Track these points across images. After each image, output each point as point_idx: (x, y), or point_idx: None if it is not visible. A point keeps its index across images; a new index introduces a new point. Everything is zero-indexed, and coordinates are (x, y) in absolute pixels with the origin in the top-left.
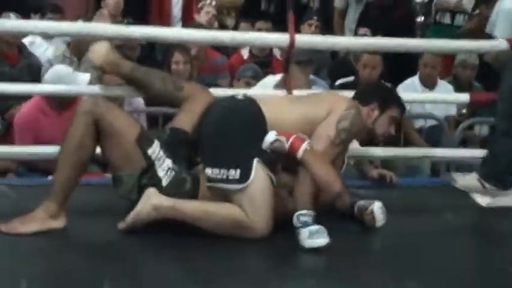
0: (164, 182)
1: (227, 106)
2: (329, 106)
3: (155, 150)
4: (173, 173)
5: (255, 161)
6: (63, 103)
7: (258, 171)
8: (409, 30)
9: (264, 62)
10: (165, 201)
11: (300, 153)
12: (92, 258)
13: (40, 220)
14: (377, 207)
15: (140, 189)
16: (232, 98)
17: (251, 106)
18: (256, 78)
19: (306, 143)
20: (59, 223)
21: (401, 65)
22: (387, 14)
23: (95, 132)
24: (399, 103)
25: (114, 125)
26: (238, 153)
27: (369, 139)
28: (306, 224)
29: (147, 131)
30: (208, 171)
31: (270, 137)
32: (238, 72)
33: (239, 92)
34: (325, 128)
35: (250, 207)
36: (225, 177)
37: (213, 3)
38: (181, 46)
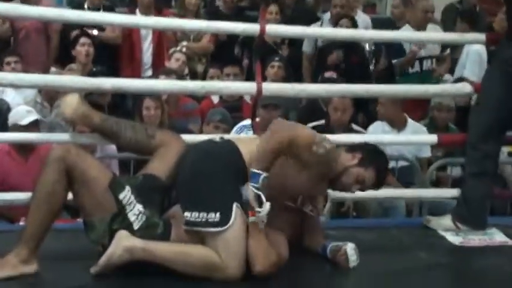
0: (135, 226)
1: (204, 148)
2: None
3: (126, 194)
4: (144, 217)
5: (235, 205)
6: (28, 148)
7: (237, 215)
8: (365, 76)
9: (234, 107)
10: (137, 243)
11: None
12: None
13: (11, 265)
14: (350, 248)
15: (111, 234)
16: (210, 140)
17: (228, 147)
18: (225, 122)
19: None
20: (30, 268)
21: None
22: (344, 59)
23: (66, 179)
24: (378, 172)
25: (86, 173)
26: (217, 196)
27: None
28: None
29: (118, 177)
30: (188, 214)
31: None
32: (207, 117)
33: (214, 136)
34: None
35: (225, 250)
36: (204, 220)
37: (184, 49)
38: None
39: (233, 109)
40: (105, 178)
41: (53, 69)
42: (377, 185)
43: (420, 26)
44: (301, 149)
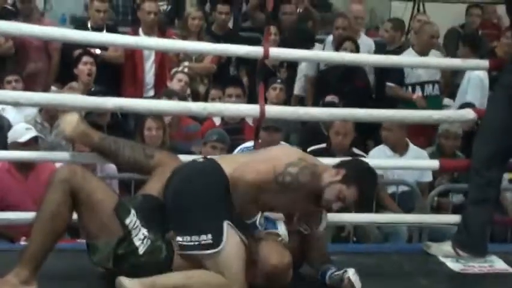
0: (141, 251)
1: (187, 170)
2: (278, 153)
3: (132, 219)
4: (149, 241)
5: (225, 223)
6: (28, 166)
7: (229, 233)
8: (371, 98)
9: (235, 129)
10: (139, 286)
11: None
12: None
13: (12, 286)
14: (352, 274)
15: (116, 258)
16: (192, 161)
17: (210, 165)
18: (222, 141)
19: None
20: None
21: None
22: (347, 81)
23: (71, 201)
24: (361, 191)
25: (92, 196)
26: (206, 217)
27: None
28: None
29: (124, 201)
30: (179, 239)
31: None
32: (204, 137)
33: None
34: (275, 161)
35: (227, 269)
36: (197, 243)
37: (186, 70)
38: None
39: (235, 131)
40: (111, 201)
41: (53, 88)
42: (359, 205)
43: (424, 51)
44: (267, 185)
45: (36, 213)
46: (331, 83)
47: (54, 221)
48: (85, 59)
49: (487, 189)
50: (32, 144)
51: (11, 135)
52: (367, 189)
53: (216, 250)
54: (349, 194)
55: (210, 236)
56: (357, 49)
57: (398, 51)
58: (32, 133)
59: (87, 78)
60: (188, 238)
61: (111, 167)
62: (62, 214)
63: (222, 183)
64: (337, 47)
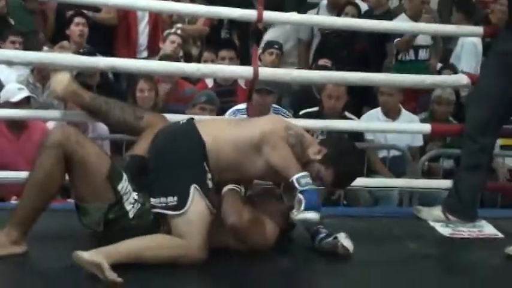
0: (131, 214)
1: (166, 132)
2: (267, 128)
3: (124, 185)
4: (139, 205)
5: (193, 187)
6: (20, 126)
7: (195, 197)
8: (370, 63)
9: (228, 91)
10: (99, 258)
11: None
12: (52, 284)
13: (1, 245)
14: (343, 239)
15: (107, 222)
16: (174, 124)
17: (186, 128)
18: (211, 103)
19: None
20: (20, 249)
21: (360, 92)
22: (346, 46)
23: (64, 164)
24: (338, 176)
25: (84, 160)
26: (175, 180)
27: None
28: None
29: (116, 165)
30: (152, 200)
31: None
32: (194, 99)
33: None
34: (276, 134)
35: (188, 233)
36: (164, 204)
37: (178, 31)
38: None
39: (227, 93)
40: (104, 166)
41: (45, 48)
42: (336, 186)
43: (416, 16)
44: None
45: (28, 175)
46: (328, 48)
47: (46, 183)
48: (77, 19)
49: (480, 155)
50: (24, 104)
51: (3, 95)
52: (344, 173)
53: (178, 212)
54: (326, 175)
55: (176, 198)
56: (358, 14)
57: (384, 16)
58: (25, 93)
59: (79, 39)
60: (158, 200)
61: (103, 128)
62: (55, 177)
63: (197, 147)
64: (339, 12)
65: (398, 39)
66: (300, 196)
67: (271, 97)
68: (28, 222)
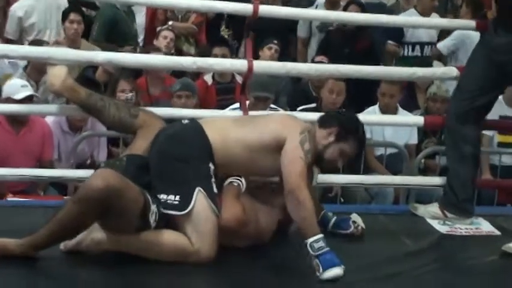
0: (153, 225)
1: (171, 132)
2: (279, 132)
3: (153, 210)
4: (157, 215)
5: (197, 189)
6: (21, 121)
7: (199, 199)
8: (372, 60)
9: (227, 88)
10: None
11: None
12: (51, 283)
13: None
14: (360, 220)
15: None
16: (178, 123)
17: (193, 128)
18: (186, 89)
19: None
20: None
21: (362, 94)
22: (349, 43)
23: (100, 212)
24: (358, 140)
25: (123, 211)
26: (179, 179)
27: (313, 162)
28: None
29: (147, 196)
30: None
31: None
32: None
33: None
34: (294, 152)
35: (194, 233)
36: (163, 202)
37: (170, 28)
38: (126, 74)
39: (226, 90)
40: (139, 206)
41: None
42: (361, 151)
43: (426, 13)
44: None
45: (61, 215)
46: (332, 44)
47: (74, 230)
48: (72, 16)
49: (463, 145)
50: (27, 102)
51: (6, 90)
52: (362, 134)
53: (181, 213)
54: (349, 148)
55: (177, 197)
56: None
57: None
58: (28, 91)
59: (74, 36)
60: (159, 196)
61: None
62: (86, 226)
63: (204, 148)
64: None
65: (390, 41)
66: (316, 261)
67: (268, 103)
68: (44, 247)
